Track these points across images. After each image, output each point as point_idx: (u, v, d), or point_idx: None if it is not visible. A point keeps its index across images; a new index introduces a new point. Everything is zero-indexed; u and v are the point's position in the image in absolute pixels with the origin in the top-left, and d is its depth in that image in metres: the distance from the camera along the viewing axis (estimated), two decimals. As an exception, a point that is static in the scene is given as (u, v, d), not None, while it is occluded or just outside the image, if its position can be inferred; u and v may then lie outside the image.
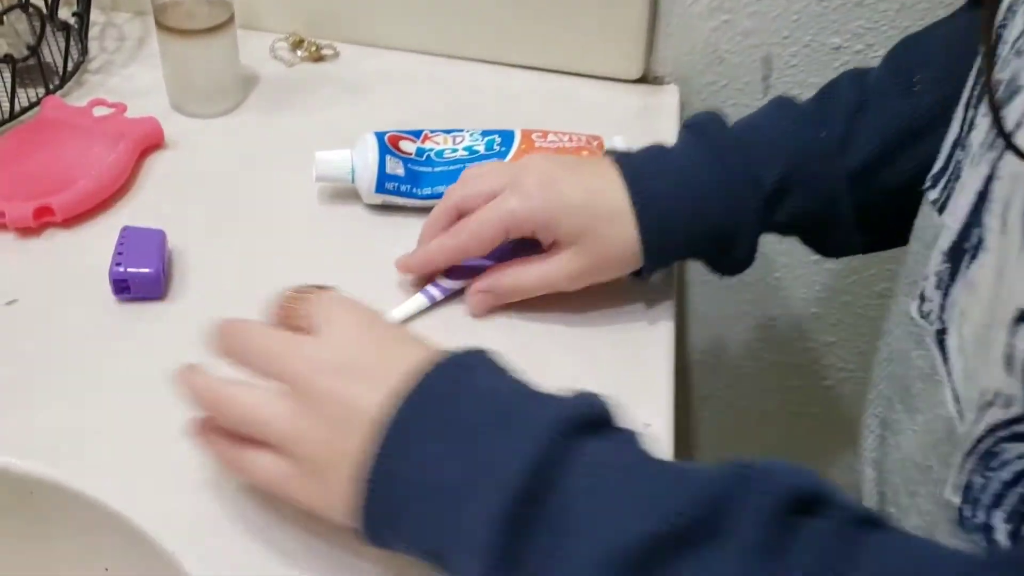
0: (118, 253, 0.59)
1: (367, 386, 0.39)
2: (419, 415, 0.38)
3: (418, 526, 0.38)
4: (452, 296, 0.60)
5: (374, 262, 0.62)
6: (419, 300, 0.59)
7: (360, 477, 0.38)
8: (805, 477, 0.34)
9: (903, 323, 0.47)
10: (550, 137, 0.68)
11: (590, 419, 0.37)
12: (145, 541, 0.47)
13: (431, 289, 0.60)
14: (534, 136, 0.68)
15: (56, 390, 0.55)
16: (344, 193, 0.68)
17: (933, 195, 0.45)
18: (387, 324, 0.45)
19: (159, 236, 0.61)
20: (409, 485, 0.37)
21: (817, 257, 0.82)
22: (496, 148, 0.67)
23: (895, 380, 0.48)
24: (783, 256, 0.92)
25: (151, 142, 0.71)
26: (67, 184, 0.65)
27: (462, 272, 0.59)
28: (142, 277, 0.59)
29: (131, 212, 0.67)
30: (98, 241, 0.63)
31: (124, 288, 0.59)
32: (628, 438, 0.38)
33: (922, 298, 0.44)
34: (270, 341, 0.42)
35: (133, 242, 0.60)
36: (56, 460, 0.50)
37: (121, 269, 0.59)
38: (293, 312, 0.44)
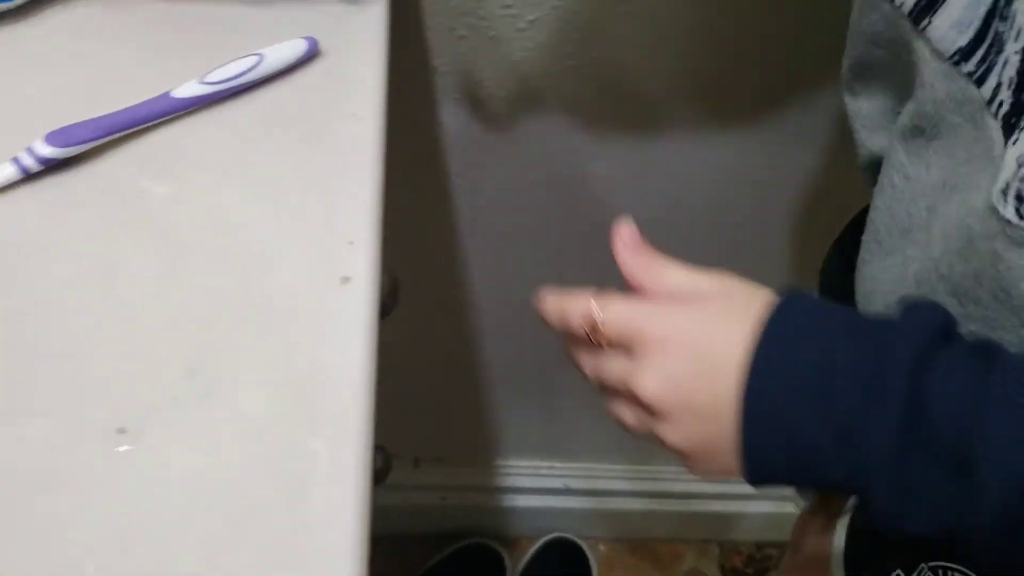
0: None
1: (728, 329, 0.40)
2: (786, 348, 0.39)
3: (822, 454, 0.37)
4: (53, 169, 0.46)
5: None
6: (6, 171, 0.45)
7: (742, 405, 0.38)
8: None
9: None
10: None
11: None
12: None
13: (25, 157, 0.45)
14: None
15: None
16: None
17: (968, 67, 0.40)
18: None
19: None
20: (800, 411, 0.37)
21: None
22: None
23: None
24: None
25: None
26: None
27: (69, 135, 0.46)
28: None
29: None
30: None
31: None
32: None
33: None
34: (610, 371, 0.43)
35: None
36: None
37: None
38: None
